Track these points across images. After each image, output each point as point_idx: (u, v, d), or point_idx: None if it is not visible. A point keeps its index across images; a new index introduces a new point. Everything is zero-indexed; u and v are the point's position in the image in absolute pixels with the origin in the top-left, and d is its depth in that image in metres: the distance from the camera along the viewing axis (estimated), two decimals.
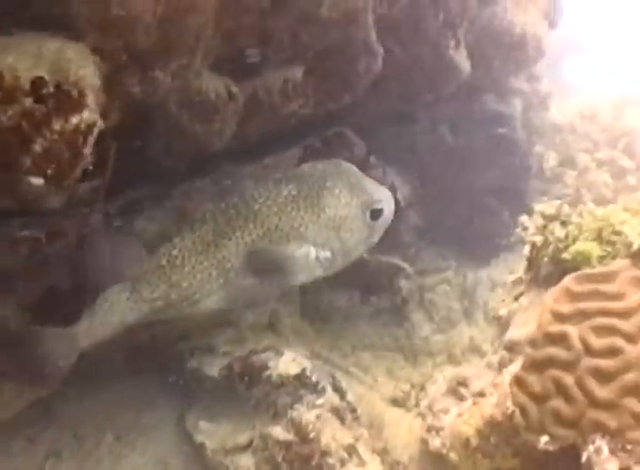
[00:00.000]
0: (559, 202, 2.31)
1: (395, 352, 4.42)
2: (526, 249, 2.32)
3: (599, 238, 2.10)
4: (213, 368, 3.32)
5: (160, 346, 3.79)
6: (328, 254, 2.84)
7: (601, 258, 2.05)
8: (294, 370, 3.02)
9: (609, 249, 2.06)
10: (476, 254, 5.08)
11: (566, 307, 1.94)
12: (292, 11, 3.15)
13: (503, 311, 2.58)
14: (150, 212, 3.97)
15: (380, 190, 2.99)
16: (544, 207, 2.32)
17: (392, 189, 4.87)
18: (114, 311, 2.67)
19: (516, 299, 2.56)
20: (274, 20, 3.07)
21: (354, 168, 3.03)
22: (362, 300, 4.56)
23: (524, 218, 2.39)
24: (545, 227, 2.27)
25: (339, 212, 2.82)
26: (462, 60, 3.96)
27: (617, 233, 2.07)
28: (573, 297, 1.96)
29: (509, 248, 5.01)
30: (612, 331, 1.86)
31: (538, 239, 2.24)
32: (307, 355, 3.32)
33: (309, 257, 2.81)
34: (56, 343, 2.58)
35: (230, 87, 3.19)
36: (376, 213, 2.90)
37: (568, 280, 2.01)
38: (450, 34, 3.95)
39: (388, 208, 2.97)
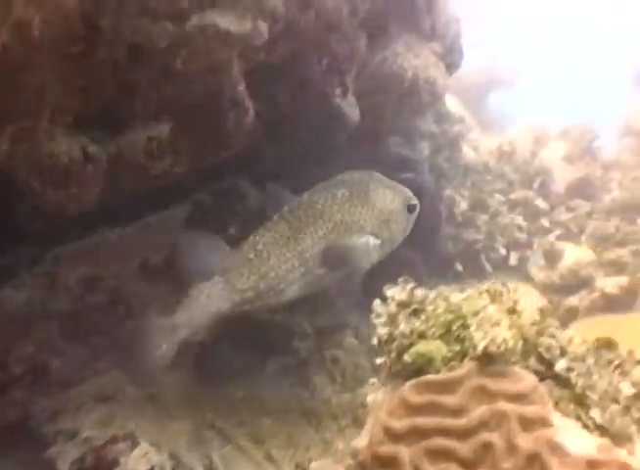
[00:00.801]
0: (411, 285, 2.03)
1: (298, 416, 4.14)
2: (374, 340, 2.03)
3: (447, 334, 1.83)
4: (67, 460, 2.98)
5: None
6: (379, 242, 3.26)
7: (447, 360, 1.78)
8: (142, 467, 2.69)
9: (457, 347, 1.79)
10: None
11: (400, 423, 1.67)
12: (151, 63, 2.87)
13: (370, 398, 2.28)
14: (18, 280, 3.68)
15: (409, 191, 3.44)
16: (396, 291, 2.04)
17: None
18: (210, 302, 2.95)
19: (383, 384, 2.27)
20: (133, 73, 2.83)
21: (383, 176, 3.45)
22: (262, 361, 4.29)
23: (376, 303, 2.10)
24: (395, 316, 1.99)
25: (387, 207, 3.27)
26: (350, 108, 3.72)
27: (467, 327, 1.80)
28: (410, 409, 1.69)
29: None
30: (447, 455, 1.58)
31: (383, 332, 1.96)
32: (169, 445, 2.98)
33: (369, 245, 3.23)
34: (159, 333, 2.88)
35: (87, 148, 2.90)
36: (412, 208, 3.37)
37: (406, 388, 1.74)
38: (337, 81, 3.71)
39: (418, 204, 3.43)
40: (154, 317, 2.96)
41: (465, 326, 1.82)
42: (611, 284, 4.15)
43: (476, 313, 1.86)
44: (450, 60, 4.26)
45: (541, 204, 5.16)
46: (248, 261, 3.04)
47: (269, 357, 4.30)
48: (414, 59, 3.85)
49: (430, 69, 3.90)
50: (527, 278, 4.84)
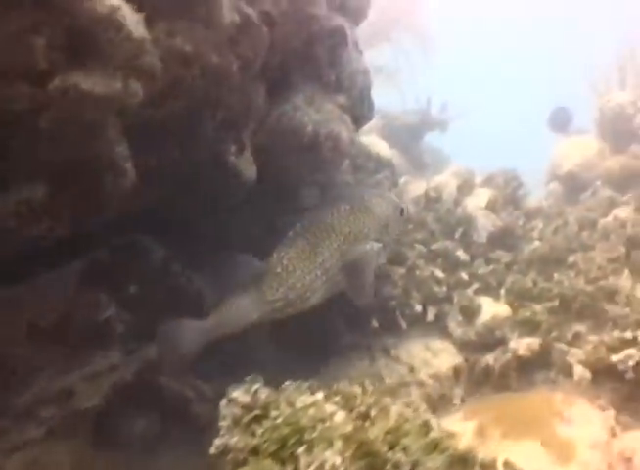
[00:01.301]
0: (257, 386, 1.83)
1: None
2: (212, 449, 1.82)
3: (281, 451, 1.63)
4: None
5: None
6: (381, 245, 3.81)
7: None
8: None
9: (289, 468, 1.59)
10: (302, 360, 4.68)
11: None
12: (18, 126, 2.67)
13: None
14: None
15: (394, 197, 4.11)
16: (240, 393, 1.83)
17: (199, 296, 4.46)
18: (240, 313, 3.34)
19: None
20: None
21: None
22: (162, 427, 4.06)
23: (222, 404, 1.89)
24: (239, 421, 1.78)
25: (384, 213, 3.79)
26: (246, 166, 3.55)
27: (302, 444, 1.60)
28: None
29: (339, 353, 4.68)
30: None
31: (219, 443, 1.75)
32: None
33: (373, 249, 3.73)
34: (190, 332, 3.24)
35: None
36: (402, 211, 3.99)
37: None
38: (231, 137, 3.54)
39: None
40: (187, 319, 3.31)
41: (300, 442, 1.62)
42: (523, 346, 4.02)
43: (317, 424, 1.66)
44: (359, 112, 4.14)
45: (462, 255, 5.03)
46: (276, 275, 3.44)
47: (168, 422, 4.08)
48: (315, 113, 3.71)
49: (332, 123, 3.76)
50: (446, 334, 4.69)
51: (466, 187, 5.82)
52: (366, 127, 7.93)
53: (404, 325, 4.57)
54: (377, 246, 3.77)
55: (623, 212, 5.19)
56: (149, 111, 3.10)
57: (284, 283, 3.45)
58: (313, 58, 3.73)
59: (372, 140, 6.73)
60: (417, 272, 4.84)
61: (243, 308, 3.36)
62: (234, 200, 3.64)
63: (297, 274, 3.48)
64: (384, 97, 9.54)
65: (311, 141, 3.64)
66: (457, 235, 5.23)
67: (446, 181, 6.04)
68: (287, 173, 3.81)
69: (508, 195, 5.62)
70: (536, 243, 4.98)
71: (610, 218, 5.14)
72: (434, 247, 5.14)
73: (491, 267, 4.82)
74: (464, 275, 4.83)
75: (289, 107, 3.65)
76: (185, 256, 4.45)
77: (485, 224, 5.30)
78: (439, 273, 4.88)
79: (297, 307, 3.54)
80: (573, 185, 6.24)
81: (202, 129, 3.41)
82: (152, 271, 4.25)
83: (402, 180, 7.05)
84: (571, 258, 4.65)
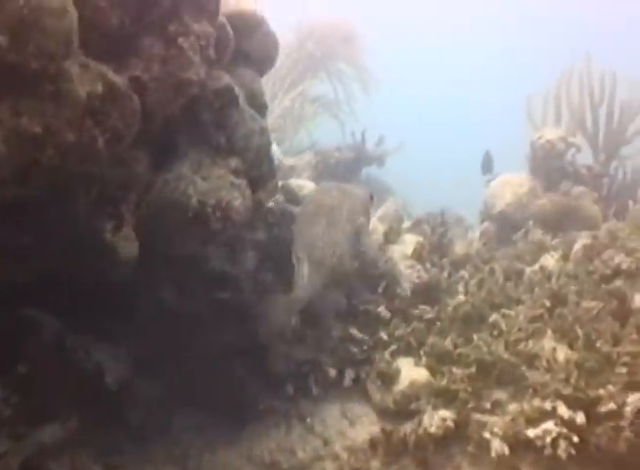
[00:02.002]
0: None
1: None
2: None
3: None
4: None
5: None
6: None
7: None
8: None
9: None
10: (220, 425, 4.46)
11: None
12: None
13: None
14: None
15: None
16: None
17: (99, 370, 4.16)
18: (306, 285, 3.91)
19: None
20: None
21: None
22: None
23: None
24: None
25: (363, 198, 4.65)
26: (124, 244, 3.26)
27: None
28: None
29: (256, 418, 4.44)
30: None
31: None
32: None
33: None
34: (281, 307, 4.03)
35: None
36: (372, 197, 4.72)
37: None
38: (108, 213, 3.25)
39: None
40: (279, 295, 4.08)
41: None
42: (436, 423, 3.79)
43: None
44: (257, 173, 3.88)
45: (383, 311, 4.78)
46: None
47: None
48: (202, 182, 3.43)
49: (222, 191, 3.49)
50: (365, 398, 4.44)
51: (392, 234, 5.58)
52: (300, 163, 7.74)
53: (317, 392, 4.31)
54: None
55: (550, 260, 4.99)
56: (12, 189, 2.83)
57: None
58: (198, 122, 3.46)
59: (301, 182, 6.46)
60: (334, 332, 4.58)
61: (305, 283, 3.91)
62: (111, 278, 3.35)
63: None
64: (323, 128, 9.38)
65: (197, 214, 3.36)
66: (380, 289, 4.99)
67: (374, 226, 5.78)
68: (175, 246, 3.52)
69: (434, 242, 5.37)
70: (460, 297, 4.73)
71: (537, 266, 4.93)
72: (354, 302, 4.91)
73: (413, 326, 4.57)
74: (384, 335, 4.58)
75: (172, 176, 3.37)
76: (84, 328, 4.16)
77: (410, 276, 5.06)
78: (358, 333, 4.62)
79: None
80: (506, 225, 6.03)
81: (74, 207, 3.13)
82: (44, 347, 3.94)
83: None
84: (493, 316, 4.42)
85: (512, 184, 6.16)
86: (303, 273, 3.91)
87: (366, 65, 9.40)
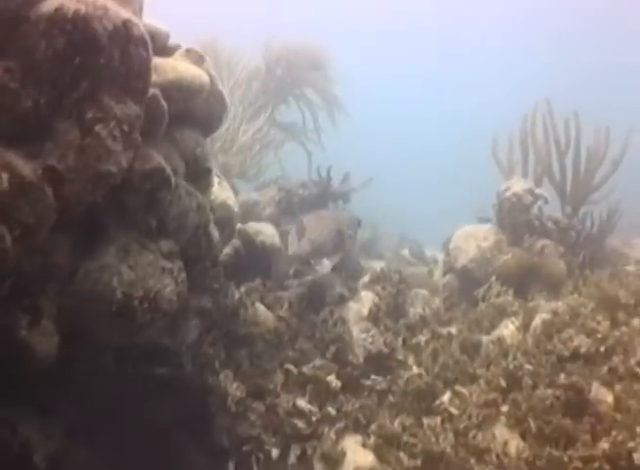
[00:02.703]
0: None
1: None
2: None
3: None
4: None
5: None
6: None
7: None
8: None
9: None
10: None
11: None
12: None
13: None
14: None
15: None
16: None
17: (27, 448, 3.91)
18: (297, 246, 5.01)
19: None
20: None
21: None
22: None
23: None
24: None
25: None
26: (41, 340, 3.01)
27: None
28: None
29: None
30: None
31: None
32: None
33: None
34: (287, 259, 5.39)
35: None
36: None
37: None
38: (24, 307, 2.99)
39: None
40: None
41: None
42: None
43: None
44: (195, 252, 3.63)
45: (333, 381, 4.56)
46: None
47: None
48: (129, 271, 3.17)
49: (151, 280, 3.23)
50: None
51: (350, 290, 5.36)
52: (264, 199, 7.47)
53: None
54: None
55: (510, 327, 4.78)
56: None
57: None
58: (125, 206, 3.19)
59: (261, 226, 6.21)
60: (280, 407, 4.34)
61: (300, 244, 5.04)
62: (26, 374, 3.09)
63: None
64: (290, 158, 9.13)
65: (121, 308, 3.11)
66: (329, 354, 4.76)
67: (330, 280, 5.55)
68: (102, 338, 3.26)
69: (391, 303, 5.15)
70: (414, 370, 4.52)
71: (496, 335, 4.73)
72: (305, 369, 4.68)
73: (362, 402, 4.34)
74: (332, 410, 4.35)
75: (95, 266, 3.10)
76: (11, 400, 3.87)
77: (364, 341, 4.83)
78: (305, 405, 4.39)
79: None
80: (469, 280, 5.83)
81: None
82: None
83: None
84: (445, 396, 4.21)
85: (476, 237, 5.94)
86: (298, 242, 5.02)
87: (336, 92, 9.12)
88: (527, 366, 4.17)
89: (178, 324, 4.10)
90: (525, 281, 5.69)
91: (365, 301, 5.28)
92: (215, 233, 3.88)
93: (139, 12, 3.36)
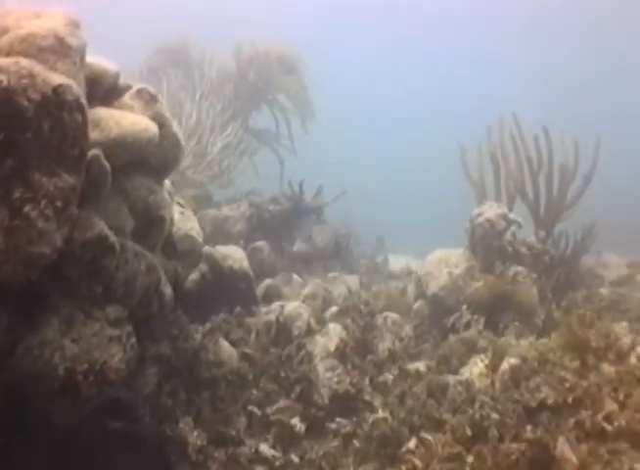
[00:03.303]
0: None
1: None
2: None
3: None
4: None
5: None
6: None
7: None
8: None
9: None
10: None
11: None
12: None
13: None
14: None
15: None
16: None
17: None
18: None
19: None
20: None
21: None
22: None
23: None
24: None
25: None
26: None
27: None
28: None
29: None
30: None
31: None
32: None
33: None
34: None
35: None
36: None
37: None
38: None
39: None
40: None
41: None
42: None
43: None
44: (145, 313, 3.48)
45: (297, 424, 4.44)
46: None
47: None
48: (72, 344, 3.02)
49: (96, 352, 3.07)
50: None
51: (315, 324, 5.23)
52: (235, 214, 7.31)
53: None
54: None
55: (477, 367, 4.68)
56: None
57: None
58: (66, 277, 3.02)
59: (229, 250, 6.05)
60: (241, 455, 4.22)
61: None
62: None
63: None
64: (264, 165, 8.95)
65: (64, 384, 2.96)
66: (293, 395, 4.65)
67: (297, 312, 5.42)
68: (48, 413, 3.11)
69: (359, 338, 5.03)
70: (380, 413, 4.41)
71: (464, 375, 4.62)
72: (269, 410, 4.56)
73: (325, 449, 4.23)
74: (295, 457, 4.24)
75: (36, 342, 2.94)
76: None
77: (330, 380, 4.71)
78: (268, 452, 4.28)
79: None
80: (440, 307, 5.71)
81: None
82: None
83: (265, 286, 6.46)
84: (411, 442, 4.10)
85: (448, 263, 5.83)
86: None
87: (309, 98, 8.91)
88: (494, 415, 4.06)
89: (134, 376, 3.93)
90: (496, 309, 5.59)
91: (332, 334, 5.15)
92: (168, 290, 3.71)
93: (80, 61, 3.17)
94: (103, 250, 3.06)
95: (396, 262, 9.33)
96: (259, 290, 6.48)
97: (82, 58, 3.17)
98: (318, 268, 7.76)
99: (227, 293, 5.87)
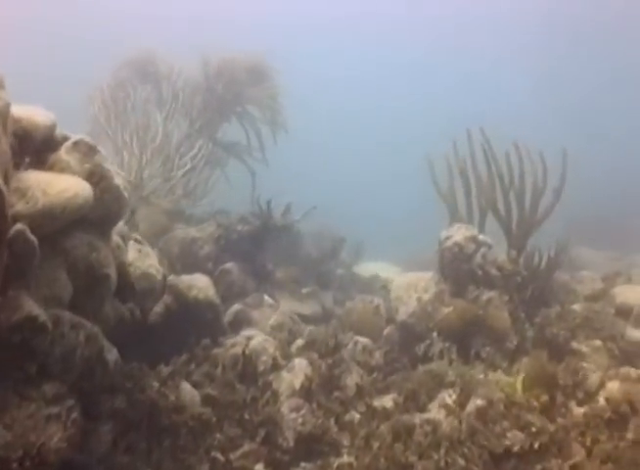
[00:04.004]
0: None
1: None
2: None
3: None
4: None
5: None
6: None
7: None
8: None
9: None
10: None
11: None
12: None
13: None
14: None
15: None
16: None
17: None
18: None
19: None
20: None
21: None
22: None
23: None
24: None
25: None
26: None
27: None
28: None
29: None
30: None
31: None
32: None
33: None
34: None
35: None
36: None
37: None
38: None
39: None
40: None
41: None
42: None
43: None
44: (89, 384, 3.33)
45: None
46: None
47: None
48: (5, 432, 2.89)
49: (32, 434, 2.94)
50: None
51: (282, 356, 5.10)
52: (203, 236, 7.14)
53: None
54: None
55: (445, 406, 4.58)
56: None
57: None
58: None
59: (194, 280, 5.89)
60: None
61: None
62: None
63: None
64: (239, 175, 8.77)
65: None
66: (258, 438, 4.53)
67: (262, 345, 5.28)
68: None
69: (325, 374, 4.91)
70: (345, 458, 4.30)
71: (432, 413, 4.52)
72: (231, 457, 4.44)
73: None
74: None
75: None
76: None
77: (294, 421, 4.59)
78: None
79: None
80: (410, 333, 5.60)
81: None
82: None
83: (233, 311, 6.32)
84: None
85: (417, 288, 5.70)
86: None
87: (279, 108, 8.72)
88: (460, 461, 3.97)
89: (87, 436, 3.79)
90: (467, 334, 5.47)
91: (298, 369, 5.02)
92: (111, 356, 3.56)
93: (4, 126, 2.99)
94: (33, 330, 2.90)
95: (374, 271, 9.23)
96: (228, 315, 6.34)
97: (4, 121, 2.99)
98: (291, 285, 7.65)
99: (194, 323, 5.72)
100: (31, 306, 2.90)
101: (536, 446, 3.89)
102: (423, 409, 4.69)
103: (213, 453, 4.45)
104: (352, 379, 5.06)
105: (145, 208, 6.64)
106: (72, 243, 3.43)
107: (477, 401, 4.31)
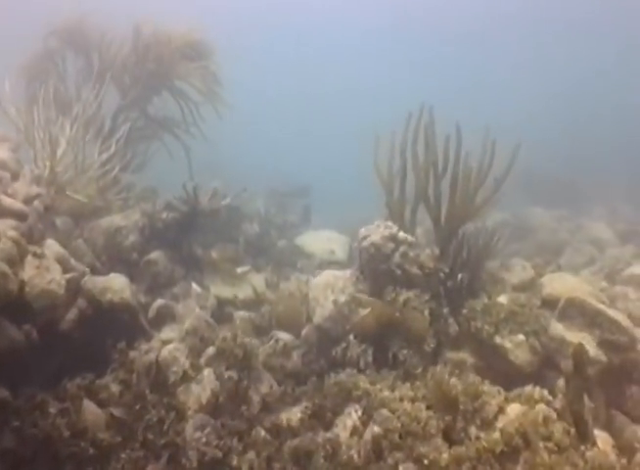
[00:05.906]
0: None
1: None
2: None
3: None
4: None
5: None
6: None
7: None
8: None
9: None
10: None
11: None
12: None
13: None
14: None
15: None
16: None
17: None
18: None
19: None
20: None
21: None
22: None
23: None
24: None
25: None
26: None
27: None
28: None
29: None
30: None
31: None
32: None
33: None
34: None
35: None
36: None
37: None
38: None
39: None
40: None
41: None
42: None
43: None
44: None
45: None
46: None
47: None
48: None
49: None
50: None
51: (192, 367, 5.02)
52: (128, 224, 6.92)
53: None
54: None
55: (354, 418, 4.56)
56: None
57: None
58: None
59: (109, 282, 5.75)
60: None
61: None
62: None
63: None
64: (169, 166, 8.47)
65: None
66: (163, 460, 4.50)
67: (173, 354, 5.19)
68: None
69: (232, 389, 4.85)
70: None
71: (335, 432, 4.49)
72: None
73: None
74: None
75: None
76: None
77: (198, 441, 4.56)
78: None
79: None
80: (326, 337, 5.52)
81: None
82: None
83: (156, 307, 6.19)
84: None
85: (334, 289, 5.58)
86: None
87: (215, 84, 8.31)
88: None
89: None
90: (385, 337, 5.40)
91: (207, 382, 4.96)
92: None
93: None
94: None
95: (316, 242, 9.07)
96: (151, 311, 6.23)
97: None
98: (226, 265, 7.50)
99: (110, 326, 5.62)
100: None
101: None
102: (330, 424, 4.66)
103: None
104: (262, 391, 4.99)
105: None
106: None
107: (374, 429, 4.26)
